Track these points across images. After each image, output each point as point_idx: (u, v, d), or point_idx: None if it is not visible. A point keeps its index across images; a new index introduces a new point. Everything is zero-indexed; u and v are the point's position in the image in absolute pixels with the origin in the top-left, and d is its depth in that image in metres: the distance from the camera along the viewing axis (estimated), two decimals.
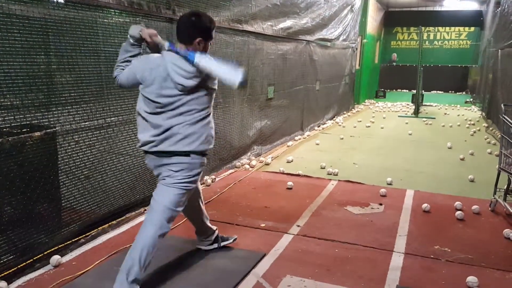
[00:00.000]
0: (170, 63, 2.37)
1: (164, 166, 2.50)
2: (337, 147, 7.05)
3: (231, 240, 3.15)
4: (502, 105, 4.12)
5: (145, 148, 2.51)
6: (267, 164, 5.70)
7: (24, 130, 2.69)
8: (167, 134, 2.44)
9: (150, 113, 2.46)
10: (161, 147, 2.46)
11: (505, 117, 3.89)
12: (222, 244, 3.10)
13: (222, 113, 5.12)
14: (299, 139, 7.61)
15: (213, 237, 3.07)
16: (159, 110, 2.43)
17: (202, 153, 2.51)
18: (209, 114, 2.53)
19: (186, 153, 2.46)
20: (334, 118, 10.10)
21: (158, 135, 2.45)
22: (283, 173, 5.28)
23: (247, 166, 5.49)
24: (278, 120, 6.88)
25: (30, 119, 2.74)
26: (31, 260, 2.77)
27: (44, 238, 2.87)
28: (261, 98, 6.21)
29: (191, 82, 2.38)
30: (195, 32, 2.43)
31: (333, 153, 6.51)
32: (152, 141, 2.47)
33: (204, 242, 3.07)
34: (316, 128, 8.79)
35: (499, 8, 10.35)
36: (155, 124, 2.45)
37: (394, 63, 15.59)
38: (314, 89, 8.68)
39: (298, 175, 5.21)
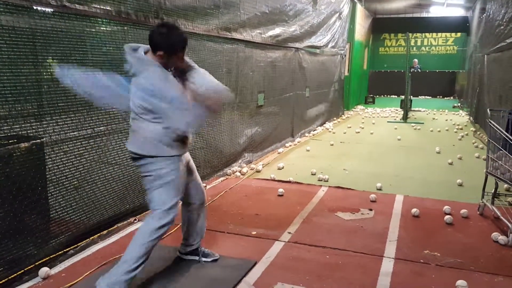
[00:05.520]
0: None
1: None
2: (328, 153, 7.08)
3: (209, 260, 3.03)
4: (488, 110, 4.18)
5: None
6: (258, 171, 5.71)
7: (11, 141, 2.66)
8: None
9: None
10: None
11: (492, 121, 3.94)
12: (203, 260, 3.01)
13: (212, 121, 5.12)
14: (290, 145, 7.63)
15: (191, 249, 3.01)
16: None
17: None
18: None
19: None
20: (324, 124, 10.16)
21: None
22: (274, 180, 5.29)
23: (238, 174, 5.49)
24: (269, 127, 6.90)
25: (18, 129, 2.72)
26: (20, 272, 2.73)
27: (33, 250, 2.84)
28: (251, 105, 6.23)
29: None
30: (159, 43, 2.45)
31: (324, 159, 6.53)
32: None
33: (182, 246, 3.04)
34: (306, 134, 8.83)
35: (484, 14, 10.52)
36: None
37: (414, 69, 15.36)
38: (304, 95, 8.73)
39: (289, 181, 5.22)
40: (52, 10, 2.90)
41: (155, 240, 2.55)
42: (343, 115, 12.30)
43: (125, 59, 2.48)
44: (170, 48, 2.46)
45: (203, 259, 3.02)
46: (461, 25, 17.15)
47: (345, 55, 12.04)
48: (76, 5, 3.03)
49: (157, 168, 2.53)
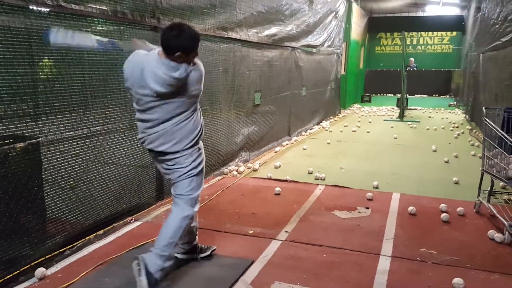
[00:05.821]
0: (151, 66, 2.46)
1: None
2: (324, 152, 7.09)
3: (208, 252, 3.08)
4: (483, 108, 4.20)
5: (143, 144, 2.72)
6: (255, 170, 5.71)
7: (7, 141, 2.65)
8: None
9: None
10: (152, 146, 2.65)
11: (487, 120, 3.95)
12: (201, 256, 3.04)
13: (209, 120, 5.12)
14: (287, 144, 7.64)
15: (189, 247, 3.01)
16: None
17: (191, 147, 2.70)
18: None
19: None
20: (320, 123, 10.17)
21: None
22: (271, 179, 5.29)
23: (235, 173, 5.49)
24: (266, 126, 6.91)
25: (13, 129, 2.71)
26: (16, 273, 2.72)
27: (29, 250, 2.83)
28: (248, 104, 6.23)
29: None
30: (175, 46, 2.43)
31: (320, 158, 6.54)
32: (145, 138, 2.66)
33: (179, 247, 3.01)
34: (303, 133, 8.84)
35: (480, 13, 10.56)
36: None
37: (410, 68, 15.14)
38: (301, 94, 8.73)
39: (286, 180, 5.22)
40: (48, 10, 2.89)
41: (187, 226, 2.71)
42: (339, 114, 12.31)
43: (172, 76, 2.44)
44: (186, 48, 2.45)
45: (202, 254, 3.04)
46: (456, 24, 17.22)
47: (341, 54, 12.05)
48: (72, 5, 3.02)
49: (192, 159, 2.68)
